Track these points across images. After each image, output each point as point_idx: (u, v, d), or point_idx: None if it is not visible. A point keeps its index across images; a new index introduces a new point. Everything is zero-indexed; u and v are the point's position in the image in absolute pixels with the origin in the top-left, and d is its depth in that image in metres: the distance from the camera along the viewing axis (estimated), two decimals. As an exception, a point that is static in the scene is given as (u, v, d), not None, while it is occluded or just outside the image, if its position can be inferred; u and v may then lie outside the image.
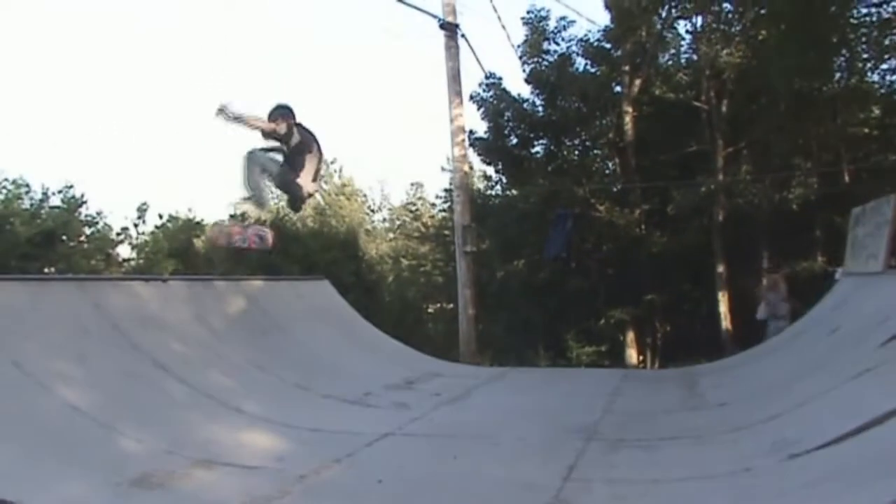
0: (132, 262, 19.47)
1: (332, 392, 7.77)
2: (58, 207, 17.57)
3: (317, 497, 4.58)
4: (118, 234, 19.21)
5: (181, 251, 19.57)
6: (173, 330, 7.64)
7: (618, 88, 22.88)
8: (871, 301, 8.39)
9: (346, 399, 7.64)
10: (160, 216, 20.31)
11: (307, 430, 6.13)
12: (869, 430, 4.42)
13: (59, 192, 17.80)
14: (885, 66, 18.92)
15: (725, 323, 20.20)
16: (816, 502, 3.83)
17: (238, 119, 7.42)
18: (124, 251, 19.68)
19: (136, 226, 19.69)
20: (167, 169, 51.52)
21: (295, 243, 21.01)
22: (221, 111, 7.34)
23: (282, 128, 7.71)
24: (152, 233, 19.95)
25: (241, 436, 5.78)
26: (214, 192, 61.29)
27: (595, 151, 24.25)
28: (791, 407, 5.84)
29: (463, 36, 15.93)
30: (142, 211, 19.77)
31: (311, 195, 8.48)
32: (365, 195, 34.42)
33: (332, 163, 31.84)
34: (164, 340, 7.21)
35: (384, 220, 36.27)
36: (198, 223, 20.32)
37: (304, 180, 7.93)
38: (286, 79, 58.34)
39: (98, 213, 18.62)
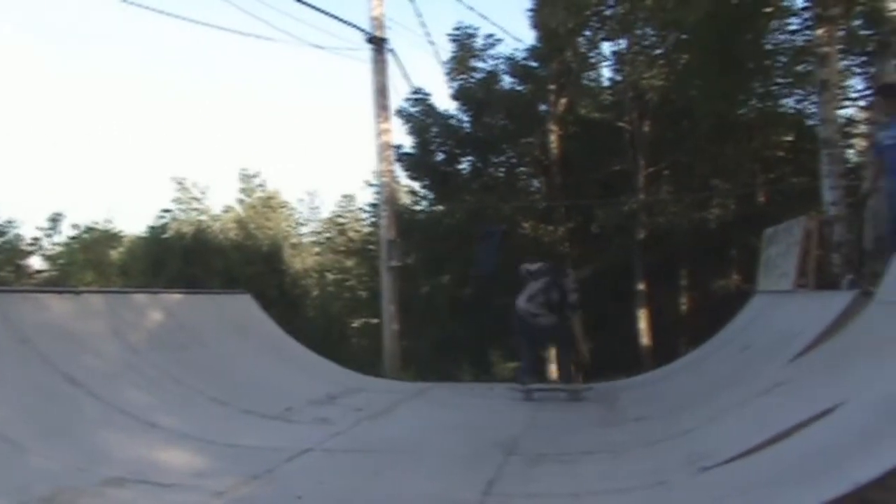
0: (45, 274, 18.92)
1: (252, 407, 7.65)
2: (-36, 217, 17.03)
3: (233, 514, 4.50)
4: (30, 245, 18.66)
5: (97, 262, 19.12)
6: (87, 344, 7.41)
7: (544, 107, 23.21)
8: (782, 318, 8.66)
9: (266, 414, 7.53)
10: (75, 226, 19.81)
11: (225, 446, 6.02)
12: (777, 443, 4.55)
13: (-33, 201, 17.24)
14: (798, 92, 19.60)
15: (645, 339, 20.59)
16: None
17: None
18: (36, 262, 19.13)
19: (48, 236, 19.15)
20: (84, 179, 50.33)
21: (216, 256, 20.72)
22: None
23: None
24: (67, 243, 19.43)
25: (156, 452, 5.65)
26: (133, 204, 60.11)
27: (521, 169, 24.55)
28: (704, 421, 5.99)
29: (391, 51, 15.97)
30: (55, 221, 19.27)
31: None
32: (292, 208, 34.13)
33: (254, 176, 31.51)
34: (76, 354, 6.99)
35: (311, 233, 36.00)
36: (115, 234, 19.87)
37: None
38: (208, 89, 57.64)
39: (8, 223, 18.08)
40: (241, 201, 31.10)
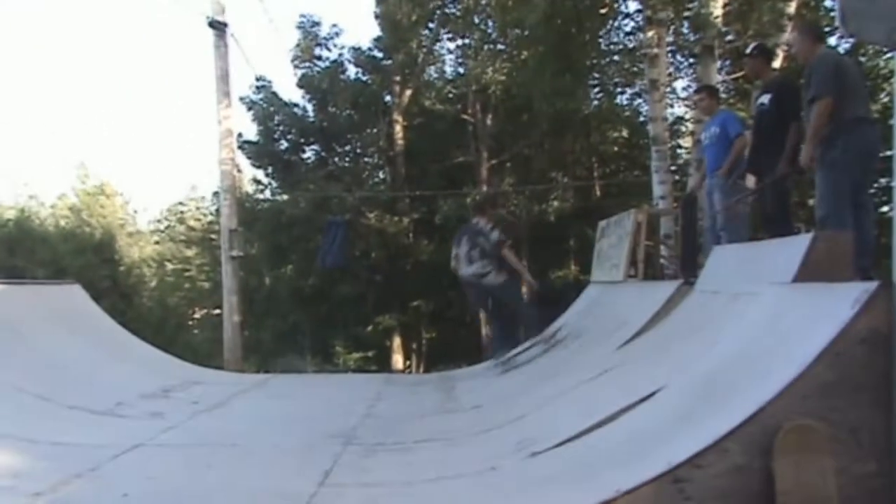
0: None
1: (78, 403, 7.30)
2: None
3: (53, 515, 4.30)
4: None
5: None
6: None
7: (389, 98, 23.31)
8: (612, 308, 9.05)
9: (94, 410, 7.20)
10: None
11: (47, 444, 5.72)
12: (603, 427, 4.76)
13: None
14: (631, 91, 20.54)
15: (486, 329, 21.04)
16: (552, 495, 4.07)
17: None
18: None
19: None
20: None
21: (43, 246, 19.64)
22: None
23: None
24: None
25: (-30, 453, 5.31)
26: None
27: (366, 159, 24.60)
28: (535, 408, 6.19)
29: (232, 35, 15.58)
30: None
31: None
32: (126, 196, 32.73)
33: (83, 164, 30.06)
34: None
35: (150, 222, 34.67)
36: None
37: None
38: (42, 70, 54.52)
39: None
40: (74, 189, 29.59)
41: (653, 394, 4.81)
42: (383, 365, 21.67)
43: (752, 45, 9.03)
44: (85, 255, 20.98)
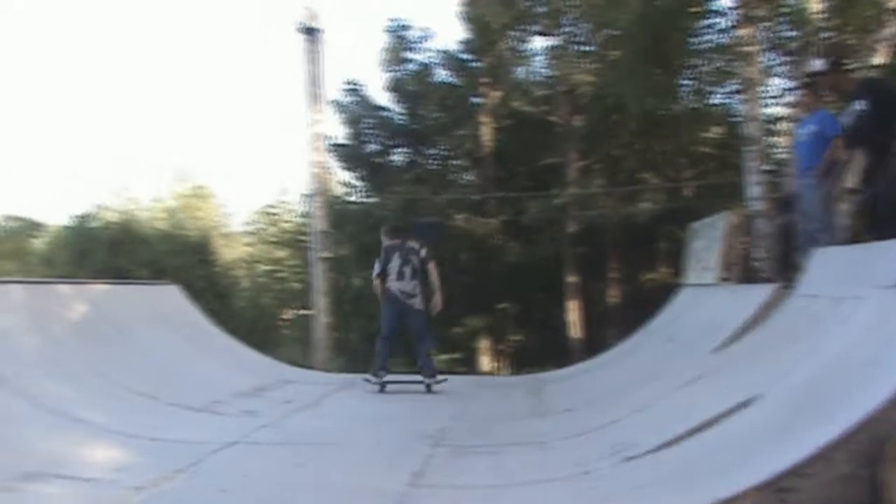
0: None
1: (178, 400, 7.53)
2: None
3: (155, 508, 4.44)
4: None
5: (19, 252, 18.56)
6: (8, 337, 7.22)
7: (476, 100, 23.32)
8: (705, 311, 8.86)
9: (192, 407, 7.42)
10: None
11: (149, 440, 5.92)
12: (698, 433, 4.66)
13: None
14: (724, 90, 20.04)
15: (574, 331, 20.86)
16: (648, 501, 4.01)
17: None
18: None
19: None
20: (5, 168, 48.83)
21: (143, 247, 20.31)
22: None
23: None
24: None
25: (78, 447, 5.52)
26: (56, 193, 58.58)
27: (454, 161, 24.61)
28: (629, 412, 6.10)
29: (324, 41, 15.83)
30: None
31: None
32: (221, 199, 33.58)
33: (181, 164, 30.98)
34: (-3, 347, 6.80)
35: (242, 224, 35.49)
36: (38, 224, 19.31)
37: None
38: (138, 77, 56.42)
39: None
40: (171, 192, 30.50)
41: (751, 400, 4.68)
42: (470, 367, 21.68)
43: (818, 64, 8.60)
44: (183, 256, 21.61)
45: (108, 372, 7.74)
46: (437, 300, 9.92)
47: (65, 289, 9.58)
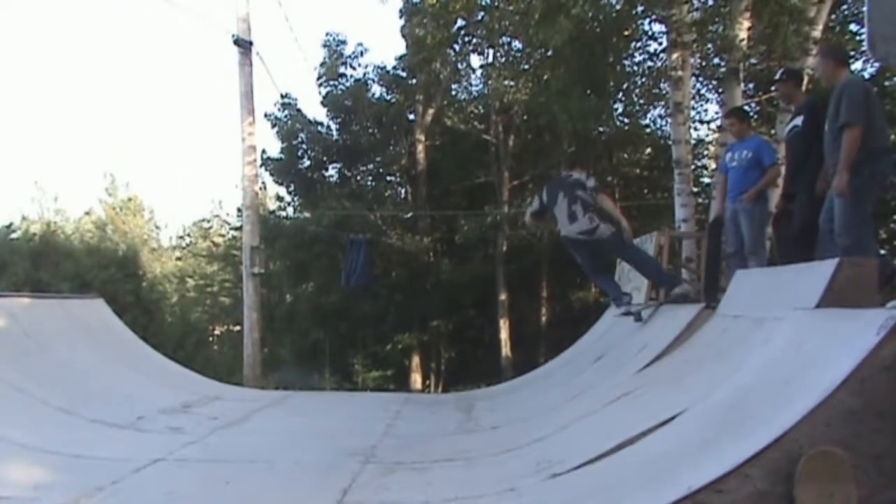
0: None
1: (101, 417, 7.35)
2: None
3: (74, 528, 4.33)
4: None
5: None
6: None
7: (412, 116, 23.43)
8: (633, 331, 9.02)
9: (115, 424, 7.25)
10: None
11: (69, 457, 5.76)
12: (621, 450, 4.74)
13: None
14: (655, 112, 20.52)
15: (506, 349, 21.01)
16: (572, 519, 4.07)
17: None
18: None
19: None
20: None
21: (67, 260, 19.82)
22: None
23: None
24: None
25: (-7, 464, 5.36)
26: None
27: (388, 178, 24.69)
28: (556, 429, 6.17)
29: (258, 53, 15.73)
30: None
31: None
32: (151, 211, 32.98)
33: (116, 176, 30.37)
34: None
35: (172, 237, 34.94)
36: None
37: None
38: (64, 82, 55.21)
39: None
40: (101, 202, 29.87)
41: (673, 418, 4.79)
42: (402, 384, 21.67)
43: (780, 70, 8.99)
44: (109, 270, 21.12)
45: (28, 387, 7.52)
46: (625, 227, 8.91)
47: (-17, 301, 9.30)
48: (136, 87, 61.96)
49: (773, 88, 9.22)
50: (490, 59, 22.23)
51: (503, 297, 21.39)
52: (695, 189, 14.05)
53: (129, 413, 7.70)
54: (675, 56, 12.78)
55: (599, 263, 9.28)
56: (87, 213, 28.60)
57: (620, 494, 4.10)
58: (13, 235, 23.45)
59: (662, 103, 18.63)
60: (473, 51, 22.25)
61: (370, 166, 24.14)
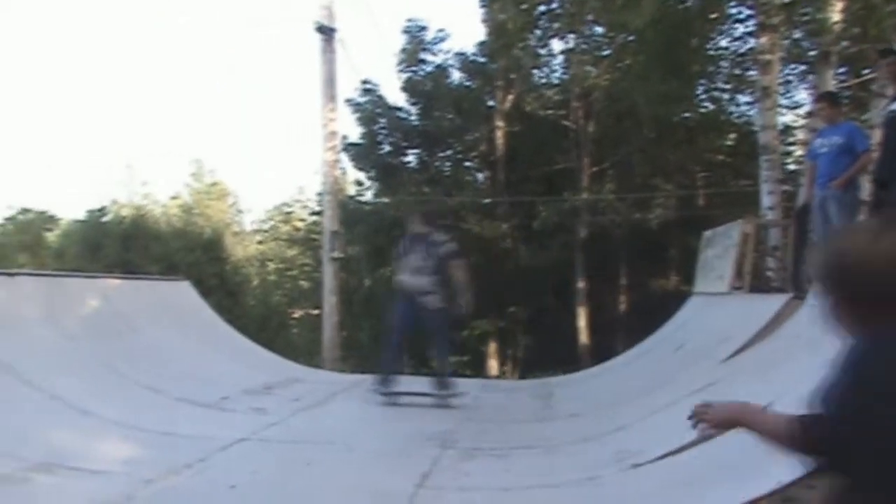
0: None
1: (187, 396, 7.56)
2: None
3: (163, 502, 4.46)
4: (-37, 225, 18.02)
5: (32, 245, 18.60)
6: (19, 328, 7.26)
7: (491, 103, 23.33)
8: (716, 320, 8.85)
9: (201, 403, 7.45)
10: (10, 207, 19.17)
11: (158, 434, 5.95)
12: (705, 442, 4.65)
13: None
14: (741, 98, 19.99)
15: (583, 337, 20.83)
16: (654, 510, 4.01)
17: None
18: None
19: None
20: (18, 161, 49.09)
21: (156, 242, 20.35)
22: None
23: None
24: (1, 225, 18.81)
25: (87, 439, 5.56)
26: (69, 187, 58.85)
27: (467, 164, 24.63)
28: (636, 419, 6.10)
29: (340, 40, 15.86)
30: (-10, 201, 18.62)
31: None
32: (235, 196, 33.69)
33: (202, 162, 31.10)
34: (8, 339, 6.83)
35: (254, 221, 35.62)
36: (51, 217, 19.36)
37: None
38: (152, 71, 56.62)
39: (-56, 202, 17.48)
40: (187, 187, 30.65)
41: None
42: (478, 370, 21.65)
43: (883, 48, 8.57)
44: (195, 253, 21.60)
45: (118, 366, 7.79)
46: (466, 301, 8.79)
47: (77, 282, 9.64)
48: (222, 73, 63.14)
49: (876, 67, 8.73)
50: (571, 45, 21.96)
51: (581, 284, 21.18)
52: (781, 176, 13.64)
53: (214, 393, 7.89)
54: (763, 39, 12.42)
55: (406, 327, 8.90)
56: (174, 198, 29.35)
57: (704, 487, 4.04)
58: (105, 218, 24.20)
59: (746, 88, 18.16)
60: (554, 36, 22.02)
61: (449, 152, 24.12)
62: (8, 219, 18.75)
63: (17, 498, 4.24)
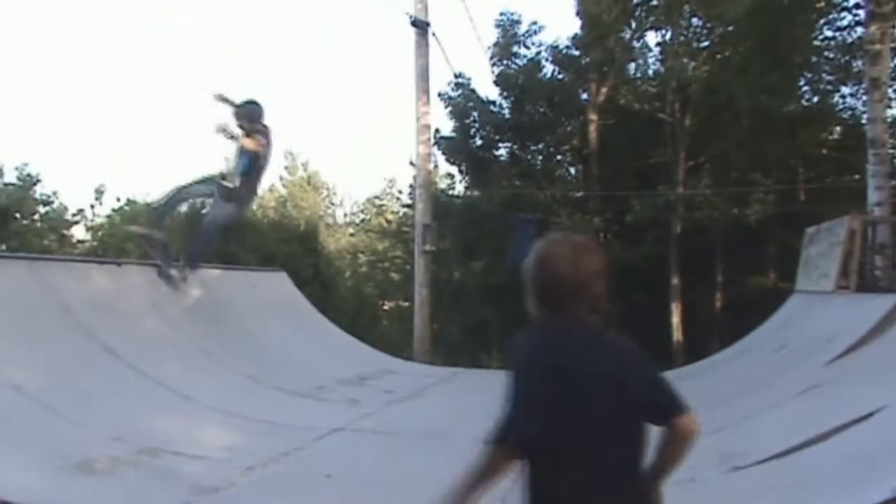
0: (87, 245, 18.97)
1: (283, 385, 7.71)
2: (12, 185, 17.09)
3: (264, 489, 4.55)
4: (74, 215, 18.65)
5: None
6: (125, 315, 7.50)
7: (584, 96, 23.07)
8: (820, 320, 8.54)
9: (297, 392, 7.59)
10: (118, 199, 19.78)
11: (257, 422, 6.08)
12: (813, 446, 4.50)
13: (15, 169, 17.31)
14: (846, 90, 19.26)
15: (677, 334, 20.42)
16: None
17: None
18: (79, 233, 19.14)
19: (92, 207, 19.11)
20: (125, 152, 50.85)
21: (253, 233, 20.74)
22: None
23: (262, 144, 8.14)
24: (109, 216, 19.44)
25: (189, 425, 5.71)
26: (172, 178, 60.63)
27: (559, 157, 24.44)
28: (737, 420, 5.93)
29: (433, 34, 15.92)
30: (99, 193, 19.25)
31: None
32: (329, 188, 34.26)
33: (296, 154, 31.72)
34: (115, 325, 7.06)
35: (346, 214, 36.14)
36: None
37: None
38: (251, 64, 57.88)
39: (53, 193, 18.13)
40: (282, 179, 31.34)
41: (871, 414, 4.48)
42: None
43: None
44: (290, 244, 21.88)
45: (219, 354, 7.98)
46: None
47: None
48: (317, 64, 64.22)
49: None
50: (667, 37, 21.51)
51: (675, 280, 20.77)
52: (890, 171, 13.06)
53: (310, 383, 8.02)
54: (873, 28, 11.91)
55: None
56: (270, 190, 29.98)
57: (812, 492, 3.89)
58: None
59: (853, 80, 17.49)
60: (650, 28, 21.61)
61: (541, 145, 23.97)
62: (115, 210, 19.36)
63: (127, 479, 4.37)
